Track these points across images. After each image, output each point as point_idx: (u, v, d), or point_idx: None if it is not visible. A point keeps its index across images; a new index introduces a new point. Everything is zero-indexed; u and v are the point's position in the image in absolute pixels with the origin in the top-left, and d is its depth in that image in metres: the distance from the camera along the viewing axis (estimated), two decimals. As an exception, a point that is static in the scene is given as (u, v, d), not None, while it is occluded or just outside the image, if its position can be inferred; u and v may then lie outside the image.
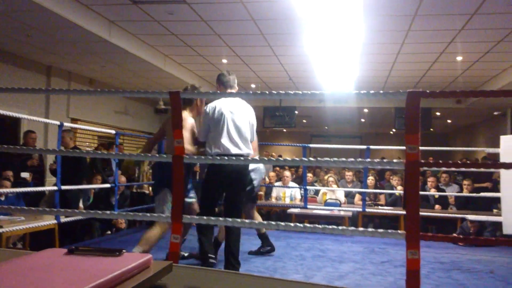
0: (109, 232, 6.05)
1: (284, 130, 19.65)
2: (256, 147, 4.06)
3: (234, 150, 3.57)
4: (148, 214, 2.84)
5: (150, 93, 2.70)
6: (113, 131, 5.88)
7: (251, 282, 1.44)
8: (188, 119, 3.76)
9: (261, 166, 4.46)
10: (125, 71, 9.06)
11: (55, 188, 4.74)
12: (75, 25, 5.91)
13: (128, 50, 7.26)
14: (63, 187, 4.78)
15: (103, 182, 6.33)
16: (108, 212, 2.80)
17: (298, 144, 6.70)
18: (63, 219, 4.70)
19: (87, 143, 10.11)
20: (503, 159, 5.18)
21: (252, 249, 4.58)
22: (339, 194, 6.96)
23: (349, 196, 7.30)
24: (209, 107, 3.71)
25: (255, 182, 4.39)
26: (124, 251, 1.30)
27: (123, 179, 6.54)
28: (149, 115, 12.98)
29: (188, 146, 3.47)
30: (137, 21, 6.56)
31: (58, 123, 4.83)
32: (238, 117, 3.67)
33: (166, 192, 3.55)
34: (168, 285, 1.42)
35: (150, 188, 6.95)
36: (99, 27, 6.38)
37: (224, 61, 8.82)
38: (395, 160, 2.39)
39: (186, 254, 4.22)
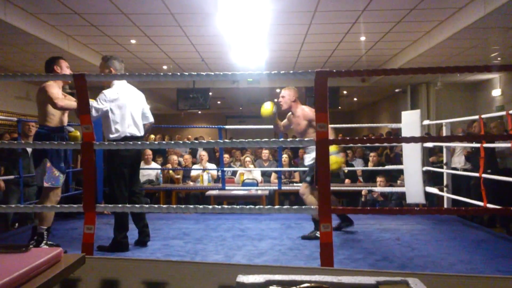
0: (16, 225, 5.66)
1: (199, 112, 19.52)
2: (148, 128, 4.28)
3: (138, 133, 3.94)
4: (58, 206, 2.70)
5: (52, 77, 2.53)
6: (14, 119, 5.43)
7: (170, 267, 1.42)
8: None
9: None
10: (24, 53, 8.38)
11: None
12: (-39, 3, 5.35)
13: (26, 31, 6.71)
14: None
15: (8, 173, 5.85)
16: (13, 206, 2.61)
17: (213, 126, 6.71)
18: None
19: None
20: (404, 133, 5.57)
21: (304, 234, 4.39)
22: (256, 174, 7.08)
23: (265, 175, 7.46)
24: (114, 91, 3.87)
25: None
26: (30, 246, 1.22)
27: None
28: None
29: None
30: (35, -1, 6.08)
31: None
32: (136, 102, 4.00)
33: (45, 162, 3.64)
34: (82, 278, 1.36)
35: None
36: (-9, 5, 5.83)
37: (133, 41, 8.50)
38: (306, 139, 2.47)
39: None
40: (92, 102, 3.63)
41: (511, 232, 5.66)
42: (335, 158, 3.94)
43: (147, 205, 2.47)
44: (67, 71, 3.91)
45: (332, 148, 3.90)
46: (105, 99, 3.80)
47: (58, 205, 2.65)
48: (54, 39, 7.56)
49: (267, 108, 4.27)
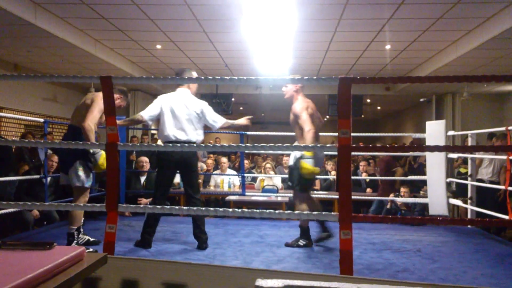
0: (45, 222, 5.77)
1: (221, 118, 19.60)
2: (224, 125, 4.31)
3: (184, 137, 3.98)
4: (82, 205, 2.75)
5: (79, 78, 2.59)
6: (41, 119, 5.56)
7: (189, 270, 1.43)
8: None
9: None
10: (53, 56, 8.60)
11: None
12: (-4, 7, 5.52)
13: (56, 34, 6.88)
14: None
15: (30, 173, 5.99)
16: (38, 203, 2.67)
17: (235, 132, 6.74)
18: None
19: (13, 133, 9.52)
20: (428, 143, 5.49)
21: (287, 241, 4.32)
22: (276, 180, 7.07)
23: (286, 182, 7.43)
24: (164, 98, 4.08)
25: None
26: (55, 244, 1.25)
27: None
28: (79, 102, 12.41)
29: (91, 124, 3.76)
30: (65, 4, 6.23)
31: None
32: (186, 108, 4.04)
33: (77, 163, 3.82)
34: (103, 277, 1.38)
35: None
36: (24, 9, 5.99)
37: (158, 46, 8.62)
38: (328, 145, 2.46)
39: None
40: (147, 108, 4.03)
41: None
42: (305, 164, 3.87)
43: (168, 207, 2.49)
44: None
45: (307, 153, 3.89)
46: (155, 105, 4.02)
47: (81, 204, 2.69)
48: (82, 43, 7.74)
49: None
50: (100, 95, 3.79)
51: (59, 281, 1.09)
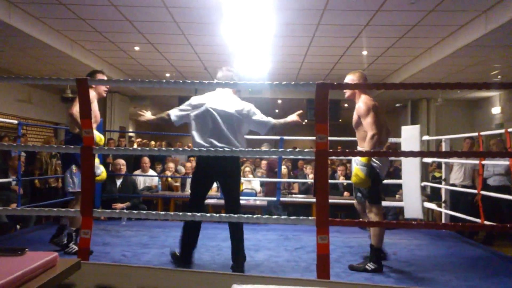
0: (18, 226, 5.66)
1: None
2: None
3: (218, 144, 3.39)
4: (55, 209, 2.70)
5: (55, 80, 2.54)
6: (15, 121, 5.43)
7: (166, 275, 1.42)
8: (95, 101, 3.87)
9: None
10: (27, 57, 8.43)
11: None
12: (-33, 5, 5.39)
13: (31, 34, 6.75)
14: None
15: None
16: (10, 208, 2.61)
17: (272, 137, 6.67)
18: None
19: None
20: (403, 148, 5.58)
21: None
22: (255, 184, 7.07)
23: (264, 185, 7.45)
24: (198, 98, 3.53)
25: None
26: (26, 249, 1.22)
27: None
28: (55, 104, 12.23)
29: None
30: (41, 3, 6.12)
31: None
32: (226, 111, 3.47)
33: (71, 167, 3.81)
34: (76, 284, 1.35)
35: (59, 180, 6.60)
36: (-4, 8, 5.87)
37: (137, 48, 8.55)
38: (306, 150, 2.47)
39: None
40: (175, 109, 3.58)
41: None
42: (359, 171, 3.46)
43: (144, 211, 2.47)
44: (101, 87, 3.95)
45: (363, 160, 3.46)
46: (187, 105, 3.52)
47: (55, 209, 2.64)
48: (59, 43, 7.61)
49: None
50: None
51: (30, 287, 1.06)
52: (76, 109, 3.66)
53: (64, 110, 12.55)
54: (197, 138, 3.40)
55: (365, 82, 3.74)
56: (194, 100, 3.51)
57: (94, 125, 3.77)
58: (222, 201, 6.12)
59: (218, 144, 3.35)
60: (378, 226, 3.51)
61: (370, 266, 3.54)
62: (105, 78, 3.97)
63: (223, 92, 3.52)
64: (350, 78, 3.72)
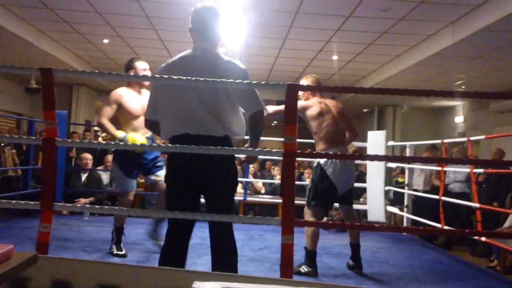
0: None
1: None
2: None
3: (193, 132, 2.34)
4: (14, 202, 2.61)
5: (18, 69, 2.45)
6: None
7: (125, 271, 1.39)
8: (114, 93, 3.71)
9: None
10: (-9, 45, 8.12)
11: None
12: None
13: (-4, 22, 6.51)
14: None
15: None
16: (-37, 200, 2.50)
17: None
18: None
19: None
20: (369, 152, 5.68)
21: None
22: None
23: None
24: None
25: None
26: (-20, 242, 1.17)
27: None
28: (19, 94, 11.86)
29: (103, 120, 3.60)
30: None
31: None
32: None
33: (114, 165, 3.77)
34: (32, 277, 1.31)
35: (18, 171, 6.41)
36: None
37: (106, 41, 8.37)
38: (274, 150, 2.48)
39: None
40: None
41: (475, 254, 5.84)
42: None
43: (107, 207, 2.41)
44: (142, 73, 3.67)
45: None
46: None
47: (14, 201, 2.55)
48: (24, 32, 7.35)
49: None
50: (112, 93, 3.70)
51: (-18, 281, 1.02)
52: (102, 119, 3.60)
53: (29, 101, 12.20)
54: (164, 126, 2.45)
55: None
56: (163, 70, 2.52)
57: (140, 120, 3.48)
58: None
59: (193, 133, 2.33)
60: (342, 227, 3.55)
61: (304, 268, 3.53)
62: (146, 65, 3.77)
63: (204, 52, 2.56)
64: (304, 83, 3.68)
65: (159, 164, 3.86)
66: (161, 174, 3.79)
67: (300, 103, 3.52)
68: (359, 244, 3.74)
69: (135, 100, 3.69)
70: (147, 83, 3.70)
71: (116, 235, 3.78)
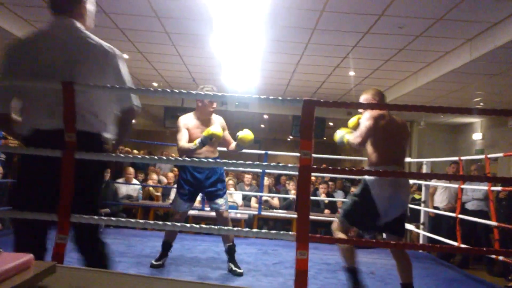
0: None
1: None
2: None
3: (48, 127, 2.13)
4: (30, 213, 2.64)
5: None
6: None
7: (140, 282, 1.41)
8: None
9: None
10: None
11: None
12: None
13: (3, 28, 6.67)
14: None
15: None
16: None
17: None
18: None
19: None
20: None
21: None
22: (237, 197, 7.06)
23: (246, 199, 7.44)
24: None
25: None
26: (0, 250, 1.20)
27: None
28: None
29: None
30: (27, 7, 6.08)
31: None
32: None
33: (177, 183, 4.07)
34: (50, 287, 1.33)
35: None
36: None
37: (125, 56, 8.52)
38: (289, 165, 2.49)
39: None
40: None
41: (493, 273, 5.71)
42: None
43: (123, 219, 2.43)
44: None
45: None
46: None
47: (30, 212, 2.59)
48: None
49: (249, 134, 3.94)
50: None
51: (3, 289, 1.05)
52: (180, 144, 3.83)
53: None
54: (22, 119, 2.19)
55: (379, 99, 3.53)
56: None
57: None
58: (202, 213, 6.10)
59: (47, 128, 2.14)
60: (357, 244, 3.51)
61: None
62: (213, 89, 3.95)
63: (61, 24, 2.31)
64: (363, 98, 3.56)
65: (219, 191, 4.00)
66: (221, 202, 3.96)
67: (371, 112, 3.31)
68: (412, 283, 3.17)
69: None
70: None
71: (162, 248, 3.98)
